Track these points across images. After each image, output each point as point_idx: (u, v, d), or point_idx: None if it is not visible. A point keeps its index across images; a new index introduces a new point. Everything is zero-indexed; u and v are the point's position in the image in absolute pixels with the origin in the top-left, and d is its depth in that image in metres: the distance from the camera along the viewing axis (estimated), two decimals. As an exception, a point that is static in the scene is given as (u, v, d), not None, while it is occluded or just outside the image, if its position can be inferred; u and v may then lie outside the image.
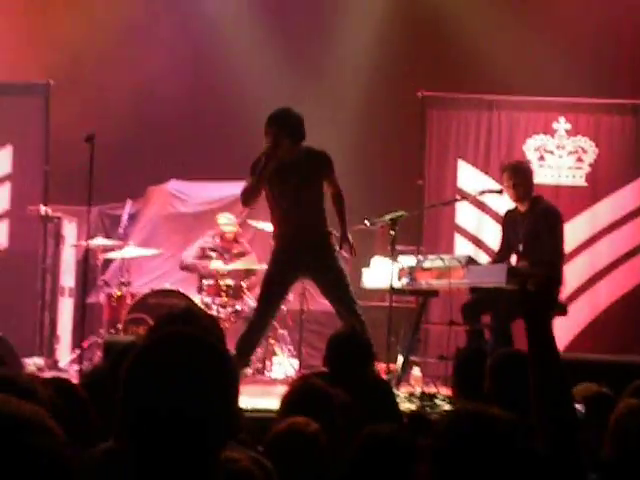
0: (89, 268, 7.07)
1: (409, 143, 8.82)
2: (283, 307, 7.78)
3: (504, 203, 6.85)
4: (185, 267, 8.13)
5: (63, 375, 7.05)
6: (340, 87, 9.03)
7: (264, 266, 7.85)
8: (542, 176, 8.52)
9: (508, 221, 6.54)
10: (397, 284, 6.19)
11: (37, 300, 8.26)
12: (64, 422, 1.97)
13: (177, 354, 1.50)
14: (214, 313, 7.56)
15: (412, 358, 6.55)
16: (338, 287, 5.62)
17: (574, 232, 8.23)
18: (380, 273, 6.39)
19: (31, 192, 8.50)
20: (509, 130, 8.72)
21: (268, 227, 7.92)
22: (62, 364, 8.00)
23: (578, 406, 3.17)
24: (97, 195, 7.28)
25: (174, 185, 9.19)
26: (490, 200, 8.14)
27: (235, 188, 9.10)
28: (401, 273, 6.33)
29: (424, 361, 7.11)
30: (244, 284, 7.77)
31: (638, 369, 5.10)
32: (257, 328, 5.83)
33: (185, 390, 1.46)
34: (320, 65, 9.27)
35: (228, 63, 9.31)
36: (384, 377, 5.49)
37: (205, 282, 7.73)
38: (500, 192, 6.53)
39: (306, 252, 5.64)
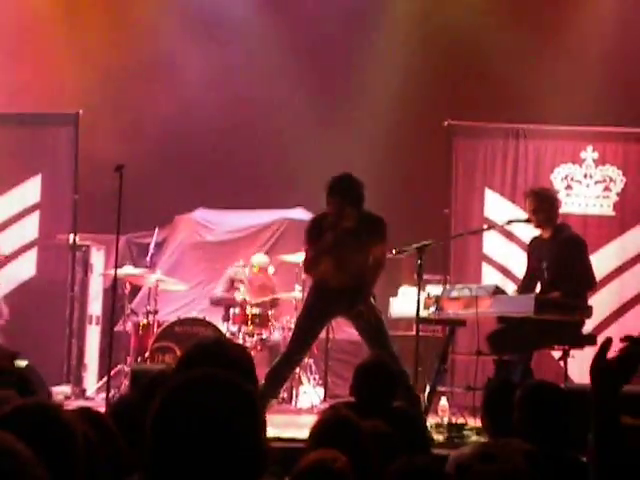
0: (116, 296, 7.11)
1: (435, 172, 8.82)
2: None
3: (531, 232, 6.81)
4: (214, 302, 8.17)
5: (90, 404, 7.08)
6: (367, 117, 9.07)
7: (290, 295, 7.91)
8: (570, 205, 8.48)
9: (533, 249, 6.52)
10: (424, 313, 6.16)
11: (65, 328, 8.31)
12: (92, 452, 1.97)
13: (207, 396, 1.52)
14: (240, 342, 7.57)
15: (439, 388, 6.50)
16: (377, 331, 5.68)
17: (602, 262, 8.16)
18: (407, 302, 6.36)
19: (60, 221, 8.57)
20: (536, 159, 8.69)
21: (292, 259, 7.96)
22: (89, 392, 8.02)
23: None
24: (125, 223, 7.35)
25: (201, 214, 9.25)
26: (517, 229, 8.10)
27: (261, 217, 9.20)
28: (428, 302, 6.30)
29: (451, 391, 7.05)
30: (270, 313, 7.77)
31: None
32: (290, 362, 5.89)
33: (214, 431, 1.48)
34: (347, 96, 9.32)
35: (258, 94, 9.39)
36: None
37: (232, 310, 7.74)
38: (528, 221, 6.50)
39: (344, 299, 5.73)
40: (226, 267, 8.32)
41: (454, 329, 6.62)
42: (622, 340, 2.07)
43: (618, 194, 8.56)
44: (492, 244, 8.54)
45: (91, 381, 8.20)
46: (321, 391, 7.61)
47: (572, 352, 6.23)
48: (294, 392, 7.66)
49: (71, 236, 8.27)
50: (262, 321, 7.67)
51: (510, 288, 7.45)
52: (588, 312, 6.10)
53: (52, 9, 9.20)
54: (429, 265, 6.52)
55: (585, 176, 8.61)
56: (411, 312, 6.16)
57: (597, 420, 1.92)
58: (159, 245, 8.81)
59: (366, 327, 5.77)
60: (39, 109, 8.77)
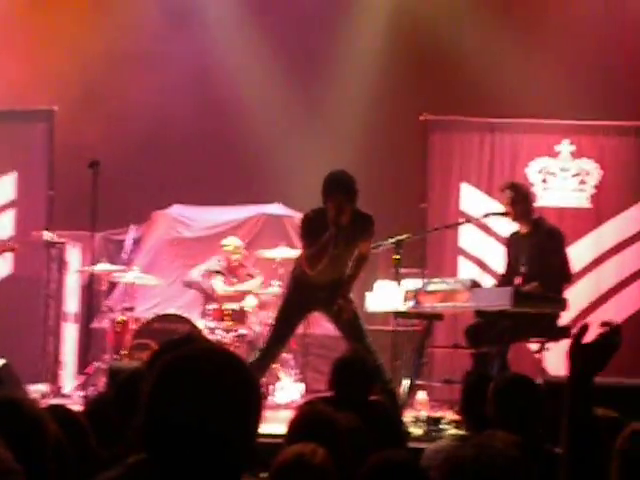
0: (93, 293, 7.07)
1: (412, 166, 8.83)
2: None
3: (508, 225, 6.84)
4: (188, 284, 8.11)
5: (67, 402, 7.04)
6: (343, 113, 9.06)
7: (268, 291, 7.90)
8: (546, 198, 8.52)
9: (512, 243, 6.54)
10: (401, 307, 6.17)
11: (41, 326, 8.25)
12: (60, 448, 1.95)
13: (204, 369, 1.48)
14: (218, 337, 7.56)
15: (417, 382, 6.52)
16: (355, 326, 5.68)
17: (579, 254, 8.22)
18: (384, 297, 6.37)
19: (35, 218, 8.51)
20: (512, 153, 8.73)
21: (270, 254, 7.95)
22: (66, 390, 7.97)
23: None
24: (101, 220, 7.32)
25: (178, 210, 9.20)
26: (494, 223, 8.13)
27: (239, 213, 9.17)
28: (405, 296, 6.32)
29: (429, 385, 7.08)
30: (248, 308, 7.76)
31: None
32: (267, 356, 5.89)
33: (210, 406, 1.44)
34: (323, 92, 9.30)
35: (235, 91, 9.35)
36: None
37: (209, 307, 7.72)
38: (504, 214, 6.53)
39: (323, 294, 5.72)
40: (203, 263, 8.29)
41: (431, 323, 6.64)
42: (602, 325, 2.06)
43: (594, 187, 8.61)
44: (468, 238, 8.57)
45: (68, 379, 8.14)
46: (300, 386, 7.61)
47: (548, 345, 6.27)
48: (272, 388, 7.66)
49: (46, 233, 8.20)
50: (239, 317, 7.66)
51: (487, 281, 7.49)
52: (564, 305, 6.14)
53: (24, 4, 9.11)
54: (406, 259, 6.52)
55: (561, 169, 8.66)
56: (387, 306, 6.18)
57: (570, 405, 1.91)
58: (136, 242, 8.76)
59: (343, 321, 5.77)
60: (14, 106, 8.69)
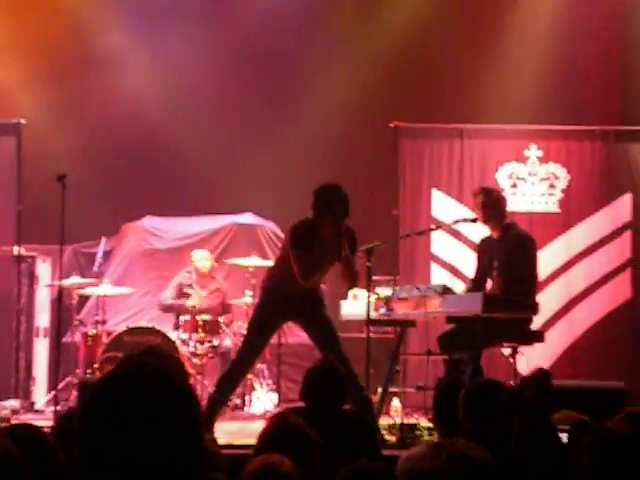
0: (64, 307, 7.01)
1: (383, 174, 8.86)
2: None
3: (479, 231, 6.87)
4: (164, 309, 8.08)
5: (39, 417, 6.98)
6: (312, 120, 9.07)
7: (240, 301, 7.88)
8: (515, 204, 8.57)
9: (483, 248, 6.57)
10: (374, 315, 6.17)
11: (12, 341, 8.16)
12: (21, 471, 1.92)
13: (133, 390, 1.40)
14: (191, 349, 7.53)
15: (391, 389, 6.52)
16: (328, 335, 5.67)
17: (549, 258, 8.28)
18: (357, 304, 6.38)
19: (4, 232, 8.42)
20: (481, 158, 8.78)
21: (242, 262, 7.93)
22: (38, 406, 7.89)
23: (562, 435, 3.16)
24: (72, 233, 7.26)
25: (149, 221, 9.16)
26: (465, 229, 8.17)
27: (210, 223, 9.14)
28: (378, 304, 6.32)
29: (403, 391, 7.09)
30: (221, 320, 7.73)
31: (616, 394, 5.12)
32: (241, 368, 5.86)
33: (140, 432, 1.36)
34: (294, 99, 9.31)
35: (203, 99, 9.35)
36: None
37: (182, 318, 7.68)
38: (474, 221, 6.56)
39: (297, 303, 5.71)
40: (175, 274, 8.25)
41: (404, 330, 6.65)
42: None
43: (563, 191, 8.68)
44: (440, 244, 8.60)
45: (40, 394, 8.07)
46: (274, 396, 7.59)
47: (521, 349, 6.30)
48: (247, 398, 7.63)
49: (16, 247, 8.13)
50: (213, 328, 7.62)
51: (459, 287, 7.52)
52: (535, 309, 6.17)
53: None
54: (378, 266, 6.53)
55: (530, 174, 8.72)
56: (361, 314, 6.17)
57: (529, 420, 1.93)
58: (107, 254, 8.70)
59: (316, 330, 5.76)
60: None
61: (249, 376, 7.62)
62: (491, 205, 6.35)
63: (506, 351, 7.38)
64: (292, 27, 9.41)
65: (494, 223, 6.39)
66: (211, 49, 9.35)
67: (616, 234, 8.54)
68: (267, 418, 5.43)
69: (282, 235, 9.08)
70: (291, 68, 9.39)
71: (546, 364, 8.07)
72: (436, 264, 8.62)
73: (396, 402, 6.74)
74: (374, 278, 6.19)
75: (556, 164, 8.70)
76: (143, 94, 9.21)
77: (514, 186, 8.70)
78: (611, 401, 4.87)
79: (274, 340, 7.62)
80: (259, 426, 4.22)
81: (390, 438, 5.74)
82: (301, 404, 4.06)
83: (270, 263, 8.40)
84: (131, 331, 7.39)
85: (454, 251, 8.57)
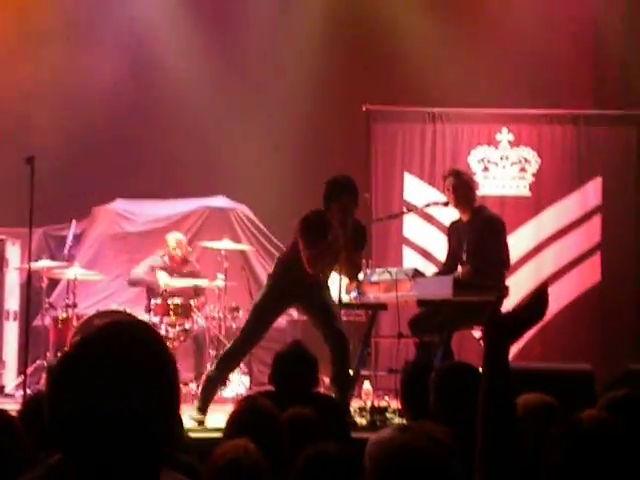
0: (34, 291, 6.95)
1: (355, 157, 8.85)
2: (233, 324, 7.76)
3: (451, 215, 6.90)
4: (133, 282, 8.02)
5: (9, 401, 6.93)
6: (284, 103, 9.04)
7: (213, 284, 7.85)
8: (487, 187, 8.62)
9: (453, 231, 6.59)
10: (346, 298, 6.18)
11: (-19, 325, 8.09)
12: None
13: (109, 347, 1.37)
14: (163, 332, 7.49)
15: (362, 372, 6.54)
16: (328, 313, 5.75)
17: (519, 242, 8.33)
18: (330, 288, 6.38)
19: (-28, 215, 8.33)
20: (453, 142, 8.80)
21: (214, 245, 7.90)
22: (8, 390, 7.84)
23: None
24: (42, 216, 7.19)
25: (120, 204, 9.09)
26: (436, 212, 8.19)
27: (182, 206, 9.09)
28: (349, 287, 6.33)
29: (374, 374, 7.11)
30: (193, 303, 7.70)
31: (583, 377, 5.16)
32: (242, 348, 5.93)
33: (115, 386, 1.34)
34: (265, 81, 9.28)
35: (174, 80, 9.29)
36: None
37: (153, 301, 7.64)
38: (446, 204, 6.57)
39: (300, 289, 5.78)
40: (147, 258, 8.20)
41: (376, 313, 6.67)
42: (538, 289, 2.12)
43: (533, 175, 8.73)
44: (412, 227, 8.63)
45: (10, 378, 8.01)
46: (247, 379, 7.59)
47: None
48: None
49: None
50: (184, 311, 7.59)
51: (431, 270, 7.55)
52: (505, 292, 6.20)
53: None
54: (351, 250, 6.50)
55: (501, 158, 8.75)
56: (334, 298, 6.17)
57: (486, 377, 1.95)
58: (77, 237, 8.64)
59: (315, 315, 5.83)
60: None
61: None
62: (460, 188, 6.36)
63: (477, 334, 7.45)
64: (261, 5, 9.35)
65: (464, 206, 6.40)
66: (178, 32, 9.29)
67: (586, 218, 8.61)
68: (235, 401, 5.43)
69: (254, 218, 9.08)
70: (262, 51, 9.34)
71: (518, 345, 8.15)
72: (408, 247, 8.65)
73: (367, 385, 6.76)
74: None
75: (527, 148, 8.74)
76: (114, 74, 9.13)
77: (486, 169, 8.74)
78: (578, 384, 4.91)
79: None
80: (231, 409, 4.22)
81: (360, 420, 5.76)
82: (271, 388, 4.06)
83: (242, 247, 8.42)
84: (101, 314, 7.34)
85: (426, 234, 8.59)
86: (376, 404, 5.96)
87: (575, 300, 8.51)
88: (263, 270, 8.36)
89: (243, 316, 7.45)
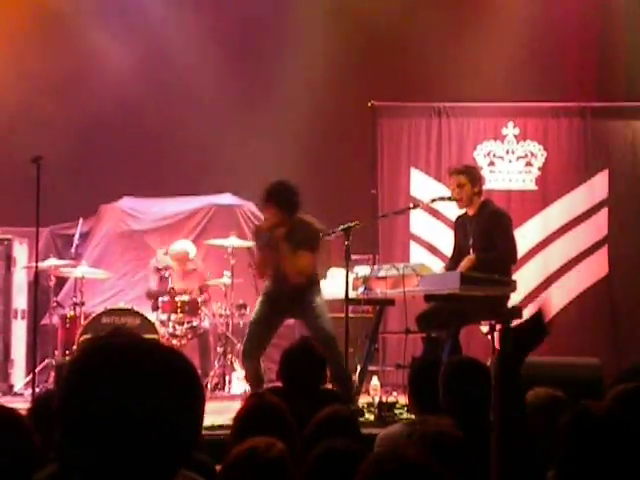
0: (41, 289, 6.97)
1: (361, 153, 8.85)
2: (240, 321, 7.76)
3: (457, 210, 6.88)
4: (153, 295, 7.94)
5: (18, 400, 6.95)
6: (291, 101, 9.02)
7: (218, 281, 7.86)
8: (493, 181, 8.61)
9: (459, 226, 6.57)
10: (353, 294, 6.18)
11: (-10, 324, 8.11)
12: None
13: (130, 355, 1.38)
14: (170, 330, 7.51)
15: (370, 368, 6.54)
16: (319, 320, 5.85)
17: (526, 236, 8.32)
18: (337, 284, 6.37)
19: (-21, 215, 8.36)
20: (459, 137, 8.79)
21: (221, 243, 7.90)
22: (17, 388, 7.87)
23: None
24: (49, 215, 7.21)
25: (127, 202, 9.10)
26: (443, 207, 8.18)
27: (189, 204, 9.10)
28: (356, 283, 6.33)
29: (382, 370, 7.11)
30: (200, 300, 7.71)
31: (591, 371, 5.16)
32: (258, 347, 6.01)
33: (131, 391, 1.33)
34: (270, 76, 9.27)
35: (181, 79, 9.29)
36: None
37: (160, 299, 7.65)
38: (450, 199, 6.55)
39: (292, 297, 5.89)
40: (152, 256, 8.20)
41: (383, 309, 6.66)
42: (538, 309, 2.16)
43: (540, 169, 8.71)
44: (419, 223, 8.62)
45: (19, 377, 8.04)
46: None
47: (499, 326, 6.32)
48: (227, 378, 7.64)
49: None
50: (192, 308, 7.60)
51: (438, 265, 7.54)
52: (512, 286, 6.19)
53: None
54: (359, 245, 6.52)
55: (507, 152, 8.74)
56: (341, 294, 6.17)
57: (499, 386, 1.99)
58: (84, 236, 8.66)
59: (305, 323, 5.90)
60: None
61: (230, 356, 7.65)
62: (467, 183, 6.34)
63: (484, 328, 7.43)
64: (267, 5, 9.34)
65: (470, 201, 6.37)
66: (187, 31, 9.28)
67: (593, 211, 8.59)
68: (244, 398, 5.44)
69: (261, 215, 9.08)
70: (269, 47, 9.33)
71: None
72: (415, 243, 8.64)
73: (375, 380, 6.76)
74: (353, 257, 6.19)
75: (533, 142, 8.72)
76: (121, 73, 9.13)
77: (491, 164, 8.72)
78: (586, 378, 4.90)
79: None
80: (239, 406, 4.23)
81: (369, 416, 5.76)
82: (280, 384, 4.06)
83: (249, 244, 8.42)
84: (109, 312, 7.36)
85: (433, 230, 8.58)
86: (384, 400, 5.96)
87: (583, 293, 8.49)
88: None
89: (250, 313, 7.45)
